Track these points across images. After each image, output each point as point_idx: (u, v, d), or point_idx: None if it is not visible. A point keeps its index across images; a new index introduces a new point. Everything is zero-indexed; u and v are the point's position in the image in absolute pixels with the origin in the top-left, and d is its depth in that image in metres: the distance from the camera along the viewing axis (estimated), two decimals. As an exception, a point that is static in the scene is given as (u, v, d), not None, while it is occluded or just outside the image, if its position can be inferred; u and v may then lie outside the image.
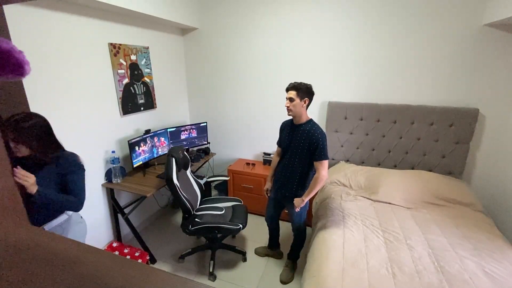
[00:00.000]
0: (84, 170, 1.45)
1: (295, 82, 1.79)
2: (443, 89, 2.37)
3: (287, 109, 1.81)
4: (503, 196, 2.28)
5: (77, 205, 1.40)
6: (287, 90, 1.80)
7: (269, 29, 2.75)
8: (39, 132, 1.29)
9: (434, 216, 1.97)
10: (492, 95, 2.26)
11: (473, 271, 1.45)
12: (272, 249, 2.38)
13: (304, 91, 1.76)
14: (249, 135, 3.20)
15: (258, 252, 2.41)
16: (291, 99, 1.77)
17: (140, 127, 2.60)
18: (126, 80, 2.36)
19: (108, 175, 2.23)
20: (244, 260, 2.34)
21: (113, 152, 2.24)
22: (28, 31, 1.61)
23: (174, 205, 3.20)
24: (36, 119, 1.29)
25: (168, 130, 2.75)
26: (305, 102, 1.78)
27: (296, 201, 1.87)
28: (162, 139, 2.69)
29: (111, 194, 2.28)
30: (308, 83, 1.81)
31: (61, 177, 1.37)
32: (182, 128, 2.89)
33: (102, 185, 2.24)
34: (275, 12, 2.68)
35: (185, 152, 2.25)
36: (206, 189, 2.60)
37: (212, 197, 2.54)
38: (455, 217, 1.95)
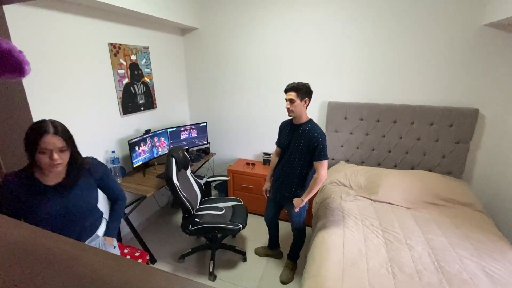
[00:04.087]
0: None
1: (293, 83, 1.77)
2: (443, 89, 2.37)
3: (288, 110, 1.80)
4: (503, 196, 2.28)
5: (125, 202, 1.55)
6: (286, 91, 1.77)
7: (269, 29, 2.75)
8: (71, 136, 1.16)
9: (434, 216, 1.97)
10: (492, 95, 2.26)
11: (473, 271, 1.45)
12: (272, 249, 2.38)
13: (304, 92, 1.74)
14: (249, 135, 3.20)
15: (258, 252, 2.42)
16: (291, 101, 1.75)
17: (140, 127, 2.60)
18: (126, 80, 2.36)
19: (108, 175, 2.23)
20: (244, 260, 2.34)
21: (113, 152, 2.24)
22: (28, 31, 1.61)
23: (174, 205, 3.20)
24: (61, 123, 1.13)
25: (168, 130, 2.75)
26: (305, 103, 1.77)
27: (296, 201, 1.87)
28: (162, 139, 2.69)
29: (111, 194, 2.28)
30: (306, 82, 1.79)
31: (98, 183, 1.36)
32: (182, 128, 2.89)
33: (102, 185, 2.24)
34: (275, 12, 2.68)
35: (185, 152, 2.25)
36: (206, 189, 2.60)
37: (212, 197, 2.54)
38: (455, 217, 1.95)
